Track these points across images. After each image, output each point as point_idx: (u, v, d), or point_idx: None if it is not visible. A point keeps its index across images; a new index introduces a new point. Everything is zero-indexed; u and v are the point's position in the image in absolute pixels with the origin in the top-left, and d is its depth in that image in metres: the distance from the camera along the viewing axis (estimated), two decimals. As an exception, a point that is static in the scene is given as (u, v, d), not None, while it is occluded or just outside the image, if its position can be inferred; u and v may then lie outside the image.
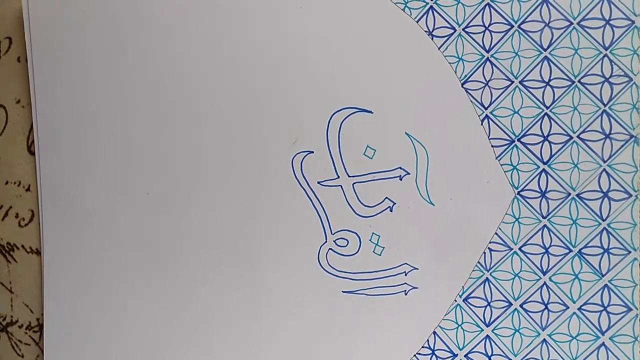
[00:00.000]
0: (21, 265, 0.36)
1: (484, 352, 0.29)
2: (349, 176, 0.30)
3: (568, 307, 0.28)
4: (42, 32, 0.34)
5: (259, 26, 0.31)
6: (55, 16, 0.33)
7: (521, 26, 0.28)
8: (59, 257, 0.34)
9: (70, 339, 0.34)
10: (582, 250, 0.28)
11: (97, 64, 0.33)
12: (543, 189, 0.28)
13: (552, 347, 0.28)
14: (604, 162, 0.27)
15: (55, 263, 0.34)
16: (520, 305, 0.29)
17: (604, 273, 0.28)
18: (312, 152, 0.30)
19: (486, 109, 0.28)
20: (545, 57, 0.28)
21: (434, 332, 0.30)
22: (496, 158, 0.29)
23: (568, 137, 0.28)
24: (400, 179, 0.30)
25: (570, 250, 0.28)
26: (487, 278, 0.29)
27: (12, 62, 0.35)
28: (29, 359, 0.36)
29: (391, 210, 0.30)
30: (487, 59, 0.28)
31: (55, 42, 0.33)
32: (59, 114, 0.34)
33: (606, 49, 0.27)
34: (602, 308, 0.28)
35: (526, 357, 0.29)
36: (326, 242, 0.31)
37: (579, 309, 0.28)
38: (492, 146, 0.29)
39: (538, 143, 0.28)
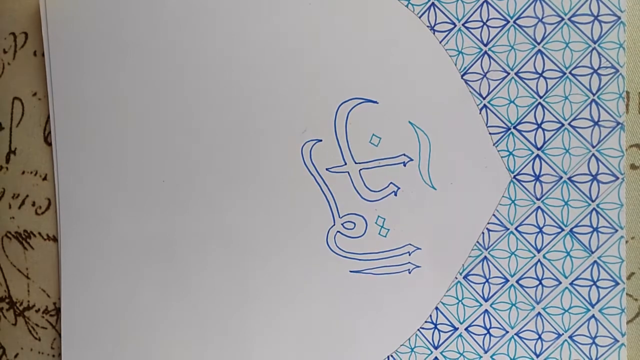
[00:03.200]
0: (38, 251, 0.36)
1: (483, 325, 0.30)
2: (355, 163, 0.31)
3: (560, 283, 0.29)
4: (58, 27, 0.34)
5: (269, 22, 0.31)
6: (71, 10, 0.34)
7: (516, 21, 0.29)
8: (76, 243, 0.35)
9: (87, 322, 0.35)
10: (574, 230, 0.29)
11: (113, 57, 0.33)
12: (537, 173, 0.29)
13: (546, 319, 0.29)
14: (593, 147, 0.28)
15: (72, 249, 0.35)
16: (517, 281, 0.30)
17: (593, 250, 0.29)
18: (321, 140, 0.31)
19: (484, 98, 0.29)
20: (539, 50, 0.29)
21: (436, 308, 0.30)
22: (493, 145, 0.29)
23: (560, 125, 0.29)
24: (404, 165, 0.30)
25: (563, 230, 0.29)
26: (485, 256, 0.30)
27: (29, 56, 0.35)
28: (45, 342, 0.36)
29: (395, 195, 0.31)
30: (485, 52, 0.29)
31: (71, 36, 0.34)
32: (75, 106, 0.34)
33: (595, 43, 0.28)
34: (592, 283, 0.29)
35: (522, 330, 0.30)
36: (334, 225, 0.31)
37: (571, 284, 0.29)
38: (489, 133, 0.29)
39: (532, 130, 0.29)
